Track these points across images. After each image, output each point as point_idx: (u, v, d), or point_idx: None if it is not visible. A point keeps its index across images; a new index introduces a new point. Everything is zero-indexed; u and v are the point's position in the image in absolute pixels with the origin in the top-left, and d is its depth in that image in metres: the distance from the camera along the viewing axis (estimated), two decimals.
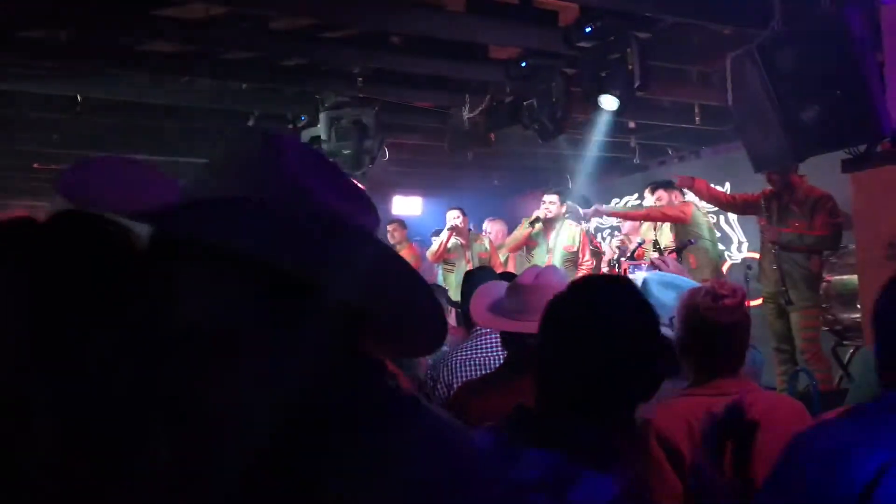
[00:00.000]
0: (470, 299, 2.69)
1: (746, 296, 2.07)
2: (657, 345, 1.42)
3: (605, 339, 1.34)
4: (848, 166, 4.18)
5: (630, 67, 4.60)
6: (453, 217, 7.73)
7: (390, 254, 0.80)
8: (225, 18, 4.87)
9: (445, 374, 3.26)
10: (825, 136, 4.04)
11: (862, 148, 4.09)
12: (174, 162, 7.91)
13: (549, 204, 6.94)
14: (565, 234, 7.01)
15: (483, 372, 2.92)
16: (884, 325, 1.44)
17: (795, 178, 5.21)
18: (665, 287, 2.68)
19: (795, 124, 4.11)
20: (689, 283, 2.59)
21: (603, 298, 1.42)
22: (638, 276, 3.02)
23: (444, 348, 4.38)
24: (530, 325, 2.00)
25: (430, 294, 0.84)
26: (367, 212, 0.82)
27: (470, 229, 8.04)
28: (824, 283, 5.38)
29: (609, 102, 4.96)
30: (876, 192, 4.09)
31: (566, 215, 7.07)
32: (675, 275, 2.82)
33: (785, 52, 4.14)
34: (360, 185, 0.89)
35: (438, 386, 3.26)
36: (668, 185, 6.38)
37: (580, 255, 6.97)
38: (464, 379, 3.22)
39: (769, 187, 5.35)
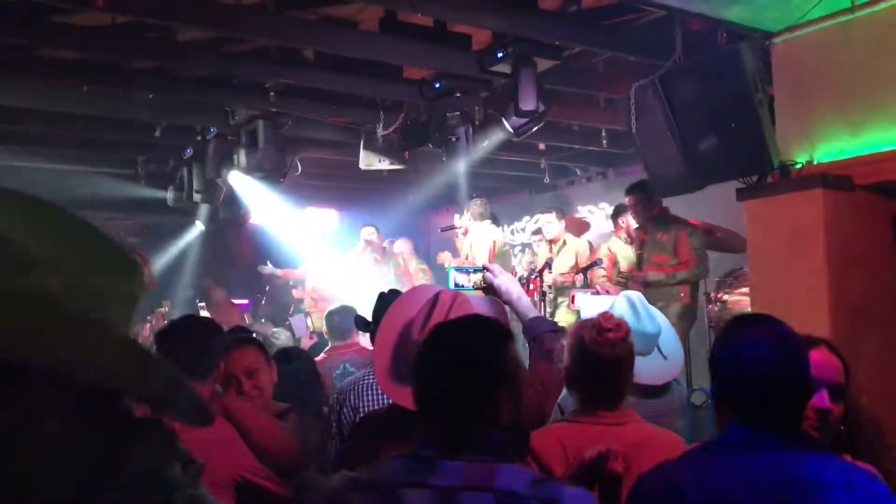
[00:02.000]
0: (379, 324, 2.66)
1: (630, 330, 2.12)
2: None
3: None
4: (742, 195, 4.41)
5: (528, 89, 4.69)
6: (368, 233, 7.79)
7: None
8: (131, 28, 4.71)
9: (352, 398, 3.24)
10: (722, 166, 4.25)
11: (755, 178, 4.33)
12: (72, 172, 7.59)
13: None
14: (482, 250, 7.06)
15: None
16: (720, 368, 1.60)
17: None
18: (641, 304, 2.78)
19: (694, 153, 4.30)
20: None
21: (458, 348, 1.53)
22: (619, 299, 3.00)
23: (353, 370, 4.37)
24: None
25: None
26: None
27: (384, 247, 8.09)
28: (719, 303, 5.63)
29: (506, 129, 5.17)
30: (767, 220, 4.32)
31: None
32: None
33: (684, 84, 4.33)
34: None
35: (345, 410, 3.23)
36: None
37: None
38: (370, 403, 3.21)
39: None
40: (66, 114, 6.18)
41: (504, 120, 5.03)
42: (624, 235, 6.36)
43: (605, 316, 2.13)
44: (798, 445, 1.51)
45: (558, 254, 6.82)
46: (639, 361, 2.61)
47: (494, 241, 7.02)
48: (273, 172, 6.51)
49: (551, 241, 6.89)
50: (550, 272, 6.51)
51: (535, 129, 5.18)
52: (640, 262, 5.78)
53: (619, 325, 2.09)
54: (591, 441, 1.98)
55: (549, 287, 6.70)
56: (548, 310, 6.69)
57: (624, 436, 2.00)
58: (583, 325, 2.11)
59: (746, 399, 1.53)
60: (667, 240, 5.56)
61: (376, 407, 3.15)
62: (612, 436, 1.99)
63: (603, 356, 2.04)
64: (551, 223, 6.84)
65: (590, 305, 3.00)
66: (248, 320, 8.42)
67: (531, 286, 7.23)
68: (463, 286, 2.58)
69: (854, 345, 3.60)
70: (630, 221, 6.18)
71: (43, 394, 0.67)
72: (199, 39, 5.12)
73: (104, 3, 3.68)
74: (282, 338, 5.25)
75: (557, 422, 2.12)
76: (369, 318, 4.32)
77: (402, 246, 8.48)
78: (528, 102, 4.64)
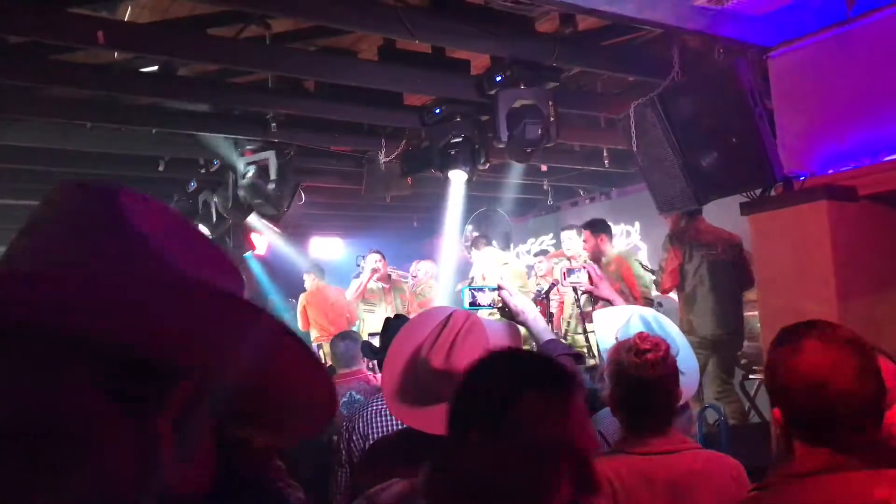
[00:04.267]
0: (388, 349, 2.65)
1: (671, 349, 2.03)
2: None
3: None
4: (746, 209, 4.39)
5: (551, 119, 4.72)
6: (374, 260, 7.80)
7: (265, 323, 0.65)
8: (131, 63, 4.76)
9: (361, 425, 3.21)
10: (723, 181, 4.25)
11: (758, 192, 4.32)
12: None
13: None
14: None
15: (398, 424, 2.88)
16: (784, 384, 1.45)
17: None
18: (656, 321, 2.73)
19: (695, 169, 4.30)
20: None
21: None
22: (620, 313, 2.93)
23: (359, 397, 4.34)
24: (435, 423, 1.95)
25: (317, 365, 0.71)
26: (231, 276, 0.72)
27: (390, 275, 8.11)
28: None
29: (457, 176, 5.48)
30: (772, 233, 4.30)
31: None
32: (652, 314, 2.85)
33: (683, 100, 4.35)
34: (220, 247, 0.78)
35: (354, 437, 3.20)
36: (594, 228, 6.43)
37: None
38: (379, 429, 3.19)
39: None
40: (69, 151, 6.22)
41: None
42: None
43: (642, 336, 2.05)
44: (885, 462, 1.34)
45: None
46: None
47: (505, 264, 7.03)
48: (277, 202, 6.54)
49: (570, 258, 6.95)
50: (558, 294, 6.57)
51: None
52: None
53: (658, 343, 2.00)
54: (643, 476, 1.89)
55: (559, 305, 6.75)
56: (560, 330, 6.71)
57: (679, 464, 1.91)
58: (620, 349, 2.03)
59: (821, 421, 1.36)
60: None
61: (386, 433, 3.13)
62: (666, 466, 1.90)
63: (644, 378, 1.95)
64: (572, 239, 6.94)
65: (604, 320, 2.96)
66: None
67: (538, 308, 7.24)
68: (479, 304, 2.56)
69: None
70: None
71: None
72: (200, 73, 5.18)
73: (104, 39, 3.72)
74: None
75: (603, 454, 2.01)
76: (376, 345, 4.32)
77: (421, 266, 8.52)
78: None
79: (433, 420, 2.00)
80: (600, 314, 3.05)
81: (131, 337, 0.59)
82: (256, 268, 9.50)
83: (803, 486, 1.31)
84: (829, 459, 1.35)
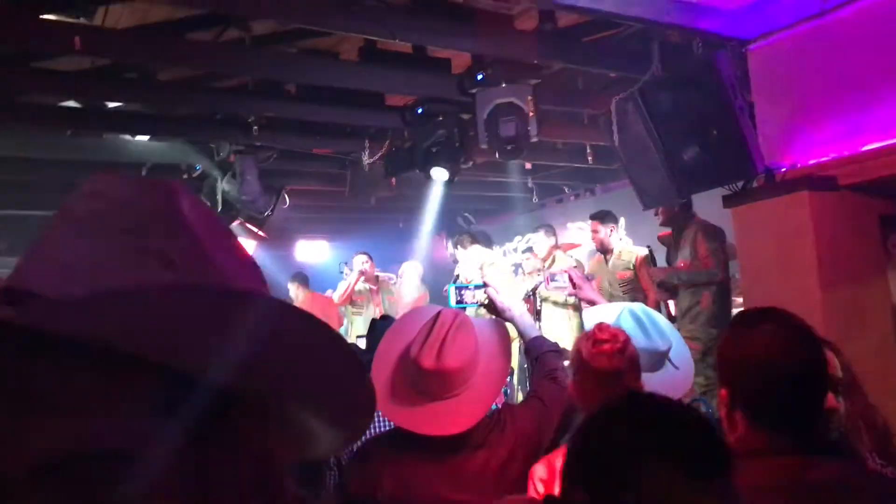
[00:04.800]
0: (375, 350, 2.64)
1: (630, 341, 2.05)
2: None
3: None
4: (728, 202, 4.42)
5: (531, 114, 4.72)
6: (361, 262, 7.79)
7: (305, 325, 0.60)
8: (110, 70, 4.73)
9: None
10: (705, 174, 4.27)
11: (740, 184, 4.35)
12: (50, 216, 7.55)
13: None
14: None
15: (386, 424, 2.88)
16: (733, 368, 1.49)
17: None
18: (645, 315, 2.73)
19: (677, 163, 4.32)
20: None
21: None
22: (610, 310, 2.93)
23: None
24: (426, 422, 1.95)
25: (356, 364, 0.64)
26: (263, 282, 0.68)
27: (377, 276, 8.09)
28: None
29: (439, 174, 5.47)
30: (754, 225, 4.33)
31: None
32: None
33: (664, 95, 4.37)
34: (246, 250, 0.74)
35: None
36: (604, 219, 6.40)
37: None
38: (369, 429, 3.19)
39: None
40: (48, 160, 6.17)
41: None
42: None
43: (601, 326, 2.08)
44: (821, 448, 1.40)
45: (548, 270, 6.91)
46: (650, 377, 2.57)
47: (482, 264, 7.00)
48: (261, 206, 6.52)
49: (543, 259, 7.00)
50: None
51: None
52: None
53: (615, 335, 2.02)
54: None
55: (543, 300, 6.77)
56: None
57: None
58: (581, 338, 2.07)
59: (766, 401, 1.40)
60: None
61: (375, 431, 3.12)
62: None
63: (601, 369, 1.98)
64: (539, 242, 6.99)
65: (594, 318, 2.97)
66: None
67: (527, 306, 7.26)
68: (465, 302, 2.56)
69: (847, 344, 3.59)
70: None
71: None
72: (180, 78, 5.14)
73: (81, 46, 3.69)
74: None
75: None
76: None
77: (412, 268, 8.53)
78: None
79: (424, 419, 2.00)
80: (590, 312, 3.05)
81: (198, 358, 0.55)
82: None
83: (741, 466, 1.33)
84: (769, 441, 1.37)
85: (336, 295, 8.04)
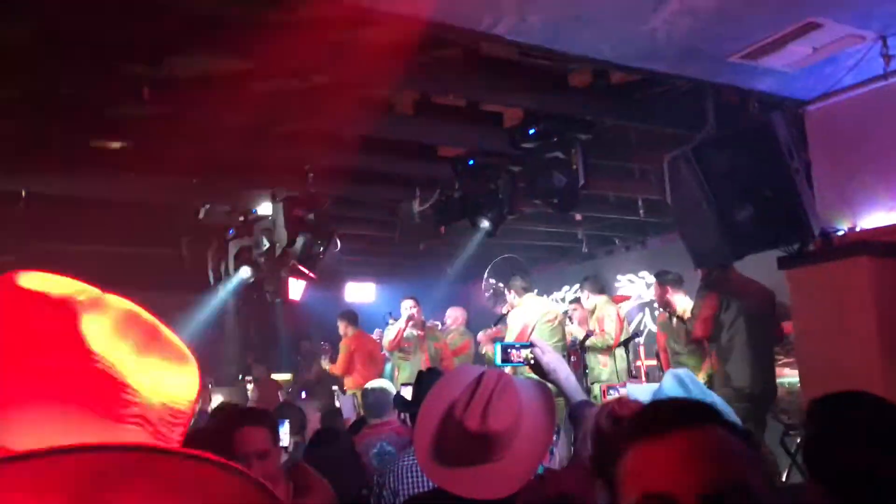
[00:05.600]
0: (421, 404, 2.63)
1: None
2: None
3: None
4: (784, 264, 4.33)
5: (574, 167, 4.75)
6: (408, 306, 7.75)
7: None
8: (170, 115, 4.91)
9: (391, 480, 3.20)
10: (760, 236, 4.19)
11: (796, 246, 4.26)
12: (120, 253, 7.84)
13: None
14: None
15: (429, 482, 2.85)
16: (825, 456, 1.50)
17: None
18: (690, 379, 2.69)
19: (731, 223, 4.26)
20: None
21: None
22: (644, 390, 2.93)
23: (390, 449, 4.32)
24: (470, 485, 1.94)
25: None
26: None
27: (423, 321, 8.06)
28: None
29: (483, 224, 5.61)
30: (811, 288, 4.23)
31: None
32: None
33: (718, 154, 4.32)
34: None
35: (384, 493, 3.19)
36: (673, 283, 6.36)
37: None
38: (410, 485, 3.16)
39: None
40: (111, 200, 6.41)
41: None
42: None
43: (620, 402, 2.02)
44: None
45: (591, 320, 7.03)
46: None
47: (526, 325, 6.88)
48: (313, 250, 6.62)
49: (590, 311, 7.03)
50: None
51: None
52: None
53: (635, 411, 1.98)
54: None
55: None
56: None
57: None
58: (601, 412, 2.00)
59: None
60: None
61: (416, 489, 3.10)
62: None
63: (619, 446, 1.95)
64: (586, 298, 7.12)
65: (638, 393, 2.94)
66: (281, 397, 8.43)
67: (573, 358, 7.18)
68: (511, 361, 2.54)
69: None
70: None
71: None
72: (240, 124, 5.29)
73: (149, 96, 3.85)
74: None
75: None
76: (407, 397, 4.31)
77: (453, 313, 8.50)
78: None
79: (467, 482, 1.98)
80: (634, 389, 3.02)
81: None
82: (290, 314, 9.61)
83: None
84: None
85: (386, 340, 8.01)
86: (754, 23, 3.48)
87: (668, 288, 6.27)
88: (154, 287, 9.15)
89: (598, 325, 6.93)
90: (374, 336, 8.50)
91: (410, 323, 7.74)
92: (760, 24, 3.49)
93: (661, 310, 6.64)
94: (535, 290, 7.24)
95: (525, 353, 2.51)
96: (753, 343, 5.34)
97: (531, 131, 4.61)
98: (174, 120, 4.95)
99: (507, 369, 3.08)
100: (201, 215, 6.68)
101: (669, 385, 2.73)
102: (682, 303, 6.26)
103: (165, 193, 6.20)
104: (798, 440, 5.58)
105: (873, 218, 4.10)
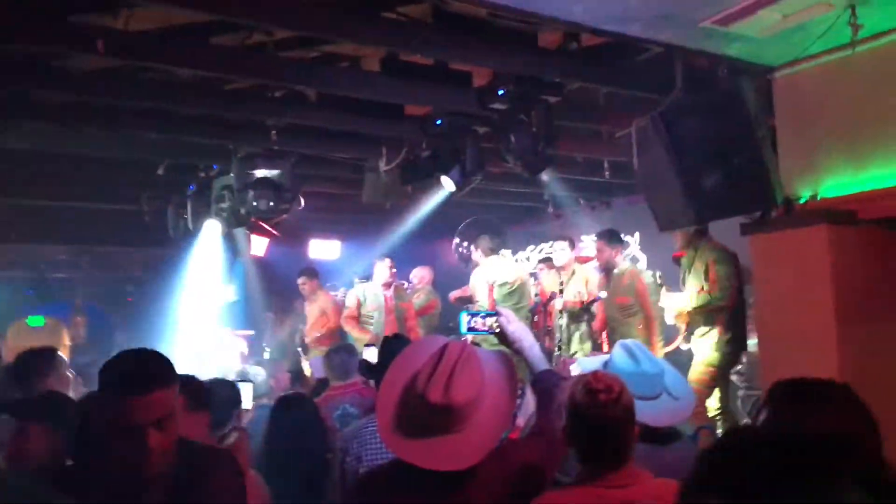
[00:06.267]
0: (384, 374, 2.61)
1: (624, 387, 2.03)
2: None
3: None
4: (746, 229, 4.38)
5: (540, 129, 4.72)
6: (386, 266, 7.53)
7: None
8: (129, 70, 4.73)
9: (355, 446, 3.20)
10: (725, 202, 4.22)
11: (758, 213, 4.30)
12: (74, 208, 7.66)
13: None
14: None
15: None
16: None
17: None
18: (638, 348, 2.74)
19: (697, 189, 4.27)
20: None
21: None
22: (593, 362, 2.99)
23: (353, 410, 4.32)
24: (430, 457, 1.93)
25: None
26: None
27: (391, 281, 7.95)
28: None
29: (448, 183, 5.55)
30: (772, 255, 4.29)
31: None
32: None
33: (686, 120, 4.31)
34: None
35: (348, 459, 3.19)
36: (610, 238, 6.47)
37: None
38: (374, 451, 3.17)
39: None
40: (69, 154, 6.20)
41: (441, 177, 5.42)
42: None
43: (596, 376, 2.05)
44: None
45: (569, 282, 6.88)
46: (649, 405, 2.56)
47: (490, 285, 6.88)
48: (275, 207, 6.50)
49: (561, 269, 6.97)
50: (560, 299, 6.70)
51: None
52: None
53: (611, 385, 2.00)
54: None
55: (560, 312, 6.73)
56: (561, 336, 6.71)
57: (626, 498, 1.95)
58: (576, 384, 2.03)
59: None
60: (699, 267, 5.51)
61: (380, 455, 3.11)
62: (614, 499, 1.94)
63: (597, 419, 1.97)
64: (564, 251, 7.00)
65: (587, 364, 2.99)
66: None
67: (535, 317, 7.23)
68: (476, 330, 2.54)
69: (863, 380, 3.54)
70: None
71: None
72: (200, 79, 5.13)
73: (103, 49, 3.69)
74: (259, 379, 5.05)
75: (561, 487, 2.06)
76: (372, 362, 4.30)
77: (419, 272, 8.42)
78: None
79: (428, 454, 1.98)
80: (584, 362, 3.08)
81: None
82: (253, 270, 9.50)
83: None
84: None
85: (343, 318, 7.70)
86: None
87: (617, 249, 6.37)
88: (117, 242, 9.03)
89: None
90: (339, 295, 8.42)
91: (387, 289, 7.55)
92: None
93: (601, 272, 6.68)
94: (507, 252, 7.23)
95: (490, 321, 2.51)
96: (743, 306, 5.42)
97: (500, 92, 4.54)
98: (129, 73, 4.79)
99: (470, 338, 3.08)
100: (160, 171, 6.51)
101: (619, 356, 2.78)
102: (623, 265, 6.38)
103: (124, 149, 6.01)
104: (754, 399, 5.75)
105: (834, 186, 4.15)
